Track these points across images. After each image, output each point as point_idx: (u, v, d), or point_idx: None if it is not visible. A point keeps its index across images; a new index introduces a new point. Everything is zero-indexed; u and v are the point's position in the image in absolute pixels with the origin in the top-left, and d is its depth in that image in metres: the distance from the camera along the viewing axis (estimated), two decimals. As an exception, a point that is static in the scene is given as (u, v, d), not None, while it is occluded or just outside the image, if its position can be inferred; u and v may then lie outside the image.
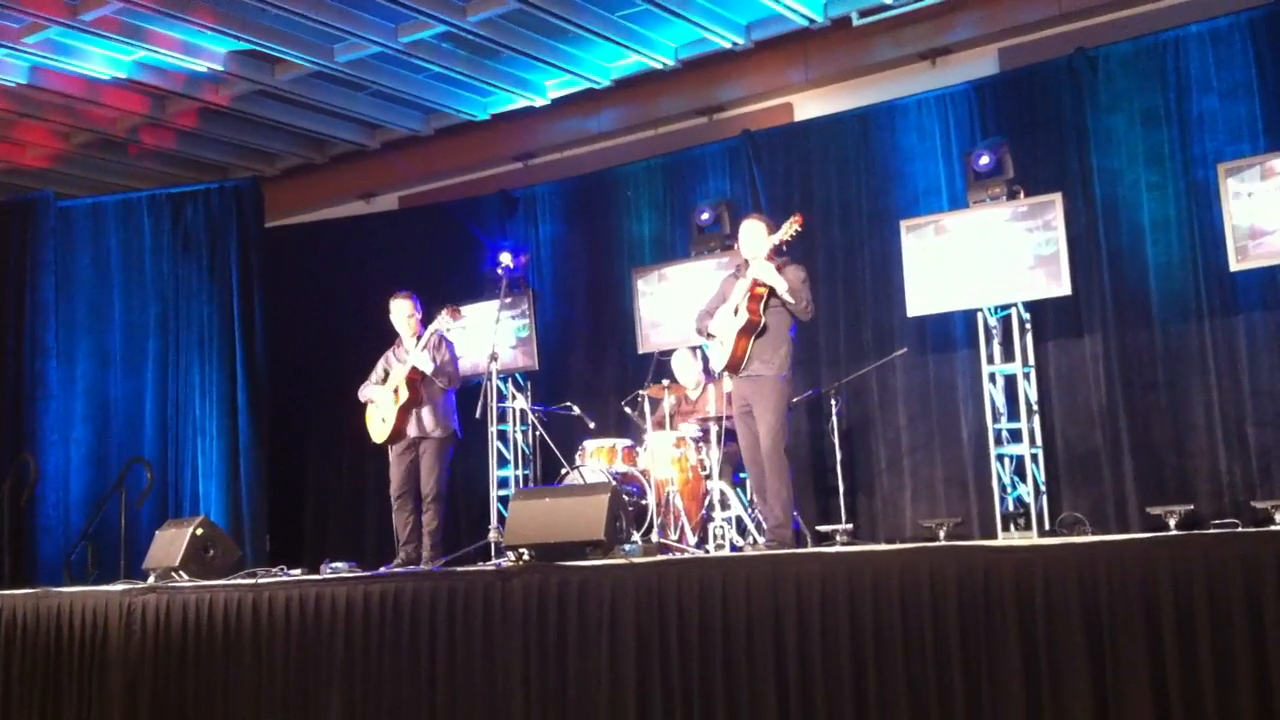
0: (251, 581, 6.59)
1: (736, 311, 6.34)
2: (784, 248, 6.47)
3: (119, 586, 7.07)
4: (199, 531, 7.14)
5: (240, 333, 10.22)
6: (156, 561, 7.14)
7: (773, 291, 6.29)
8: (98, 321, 10.45)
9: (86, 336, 10.39)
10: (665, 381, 7.92)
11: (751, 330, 6.31)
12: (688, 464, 7.47)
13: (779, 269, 6.34)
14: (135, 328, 10.38)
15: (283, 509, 10.26)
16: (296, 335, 10.73)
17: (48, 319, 10.34)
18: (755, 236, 6.45)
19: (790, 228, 6.33)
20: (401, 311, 7.78)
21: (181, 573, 6.97)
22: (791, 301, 6.27)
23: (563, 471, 7.58)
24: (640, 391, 7.80)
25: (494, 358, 7.91)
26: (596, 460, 7.53)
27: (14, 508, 9.55)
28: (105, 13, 8.91)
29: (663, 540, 6.77)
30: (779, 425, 6.31)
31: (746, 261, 6.49)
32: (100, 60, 9.71)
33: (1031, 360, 8.08)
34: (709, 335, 6.62)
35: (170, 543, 7.16)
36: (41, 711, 7.13)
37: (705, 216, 9.29)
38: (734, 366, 6.38)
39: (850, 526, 7.59)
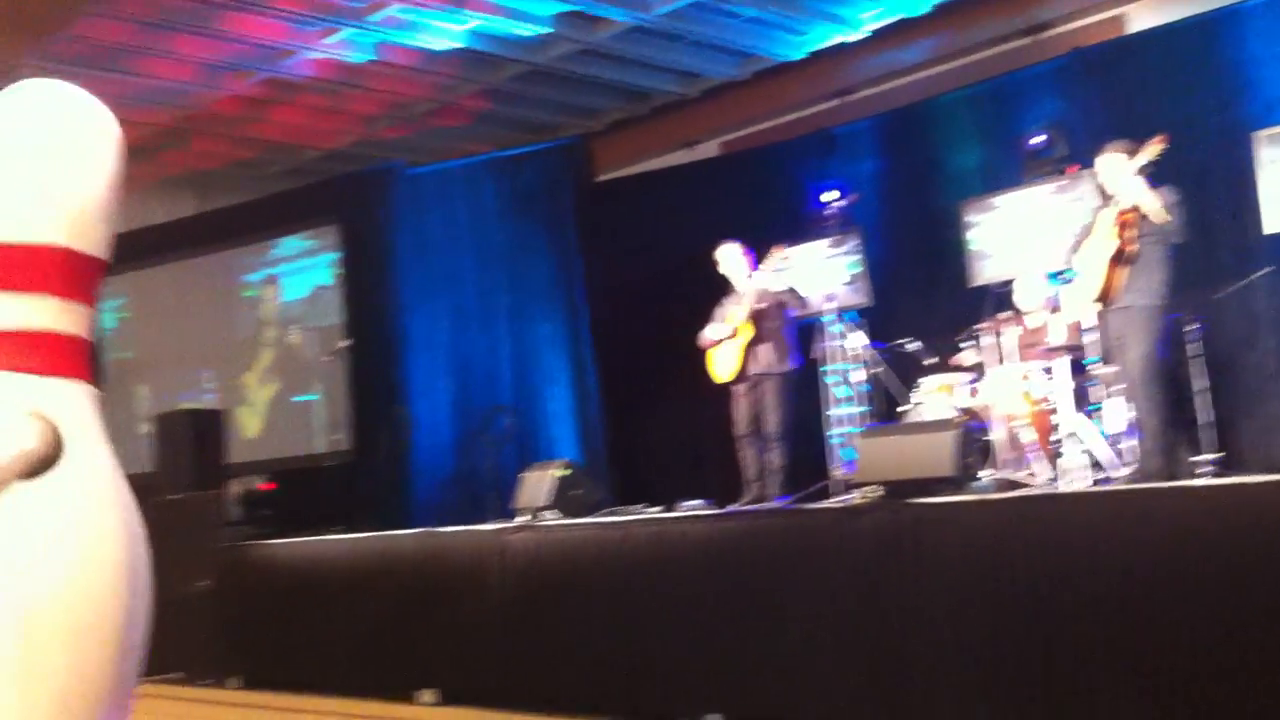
0: (614, 519, 7.00)
1: (1104, 241, 6.14)
2: (1146, 173, 6.19)
3: (493, 526, 7.65)
4: (563, 473, 7.61)
5: (581, 284, 10.75)
6: (525, 502, 7.66)
7: (1143, 216, 6.05)
8: (452, 281, 11.20)
9: (443, 295, 11.16)
10: (1003, 313, 7.82)
11: (1122, 259, 6.10)
12: (1033, 397, 7.35)
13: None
14: (486, 285, 11.08)
15: (629, 451, 10.76)
16: (632, 284, 11.15)
17: (407, 280, 11.21)
18: (1114, 167, 6.22)
19: (1154, 149, 6.05)
20: (732, 255, 8.00)
21: (549, 512, 7.46)
22: (1165, 220, 6.00)
23: (903, 408, 7.63)
24: (978, 325, 7.73)
25: (827, 297, 8.04)
26: (937, 396, 7.54)
27: (392, 456, 10.49)
28: (440, -15, 9.47)
29: (1012, 476, 6.73)
30: (1151, 355, 6.08)
31: (1108, 197, 6.27)
32: (436, 32, 10.32)
33: None
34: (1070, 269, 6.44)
35: (536, 484, 7.67)
36: (423, 642, 7.83)
37: (1036, 141, 9.03)
38: (1104, 298, 6.18)
39: (1218, 457, 7.28)
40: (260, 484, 9.56)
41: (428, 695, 7.72)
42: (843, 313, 9.34)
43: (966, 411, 7.27)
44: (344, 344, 10.45)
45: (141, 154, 12.39)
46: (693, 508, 7.27)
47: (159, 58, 10.41)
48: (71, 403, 3.45)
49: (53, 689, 3.19)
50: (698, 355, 8.15)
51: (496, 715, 7.13)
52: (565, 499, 7.56)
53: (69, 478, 3.34)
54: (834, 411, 9.02)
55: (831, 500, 7.21)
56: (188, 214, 13.00)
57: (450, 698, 7.63)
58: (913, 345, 8.20)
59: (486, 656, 7.44)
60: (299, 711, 7.83)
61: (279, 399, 12.28)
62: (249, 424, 11.61)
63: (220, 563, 9.22)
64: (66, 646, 3.22)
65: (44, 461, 3.30)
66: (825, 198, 9.41)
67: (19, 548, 3.23)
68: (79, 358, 3.52)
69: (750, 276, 7.90)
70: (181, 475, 9.76)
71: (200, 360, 13.08)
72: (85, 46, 9.97)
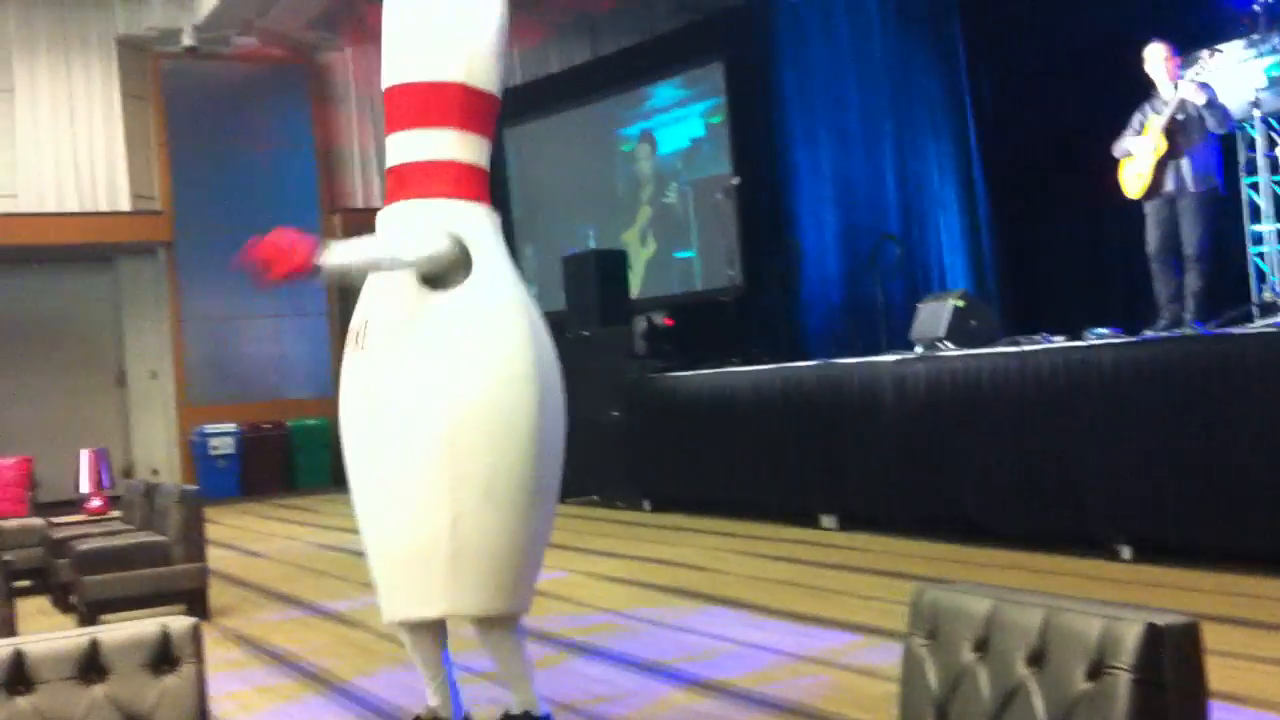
0: (1015, 349, 6.86)
1: None
2: None
3: (890, 357, 7.67)
4: (959, 303, 7.49)
5: (970, 103, 10.29)
6: (921, 333, 7.61)
7: None
8: (835, 107, 11.02)
9: (826, 122, 11.02)
10: None
11: None
12: None
13: None
14: (870, 109, 10.82)
15: (1026, 277, 10.39)
16: (1025, 98, 10.57)
17: (790, 109, 11.17)
18: None
19: None
20: (1156, 58, 7.39)
21: (947, 342, 7.38)
22: None
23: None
24: None
25: (1252, 104, 7.36)
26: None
27: (783, 288, 10.66)
28: None
29: None
30: None
31: None
32: None
33: None
34: None
35: (933, 315, 7.59)
36: (823, 469, 8.03)
37: None
38: None
39: None
40: (661, 319, 9.98)
41: (827, 520, 7.97)
42: (1268, 119, 8.53)
43: None
44: (734, 181, 10.59)
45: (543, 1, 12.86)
46: (1101, 336, 6.95)
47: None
48: (476, 223, 3.83)
49: (478, 481, 3.61)
50: (1100, 173, 7.66)
51: (893, 540, 7.28)
52: (962, 329, 7.44)
53: (479, 289, 3.71)
54: (1260, 227, 8.33)
55: (1259, 324, 6.73)
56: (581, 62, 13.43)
57: (849, 523, 7.85)
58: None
59: (884, 484, 7.57)
60: (707, 532, 8.28)
61: (659, 256, 12.74)
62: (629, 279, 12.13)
63: (629, 394, 9.78)
64: (487, 443, 3.63)
65: (455, 273, 3.69)
66: (1249, -8, 8.49)
67: (442, 355, 3.63)
68: (480, 184, 3.90)
69: (1174, 83, 7.27)
70: (589, 313, 10.35)
71: (585, 217, 13.75)
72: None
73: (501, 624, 3.73)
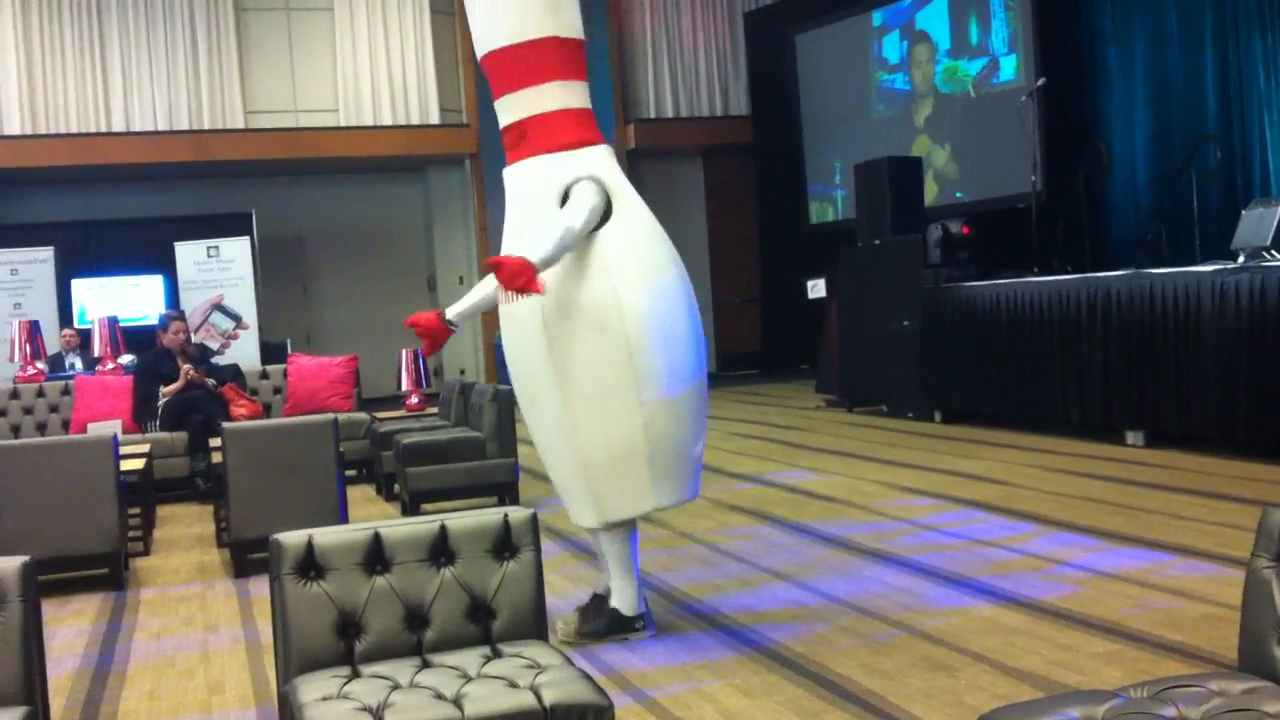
0: (1353, 259, 6.37)
1: None
2: None
3: (1209, 267, 7.24)
4: (1290, 209, 6.98)
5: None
6: (1245, 240, 7.13)
7: None
8: (1151, 2, 10.36)
9: (1141, 19, 10.36)
10: None
11: None
12: None
13: None
14: (1190, 4, 10.08)
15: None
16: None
17: (1103, 6, 10.55)
18: None
19: None
20: None
21: (1273, 251, 6.91)
22: None
23: None
24: None
25: None
26: None
27: (1090, 193, 10.14)
28: None
29: None
30: None
31: None
32: None
33: None
34: None
35: (1259, 221, 7.09)
36: (1130, 384, 7.70)
37: None
38: None
39: None
40: (957, 228, 9.71)
41: (1133, 437, 7.67)
42: None
43: None
44: (1039, 83, 10.11)
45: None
46: None
47: None
48: (604, 163, 4.08)
49: (577, 367, 3.94)
50: None
51: (1206, 459, 6.94)
52: (1298, 238, 6.93)
53: (622, 220, 4.01)
54: None
55: None
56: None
57: (1157, 440, 7.53)
58: None
59: (1198, 400, 7.20)
60: (1002, 445, 8.11)
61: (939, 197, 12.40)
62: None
63: (923, 303, 9.62)
64: (588, 338, 3.93)
65: (603, 215, 3.93)
66: None
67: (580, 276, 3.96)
68: (593, 126, 4.14)
69: None
70: (881, 221, 10.20)
71: (848, 136, 13.48)
72: None
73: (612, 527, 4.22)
